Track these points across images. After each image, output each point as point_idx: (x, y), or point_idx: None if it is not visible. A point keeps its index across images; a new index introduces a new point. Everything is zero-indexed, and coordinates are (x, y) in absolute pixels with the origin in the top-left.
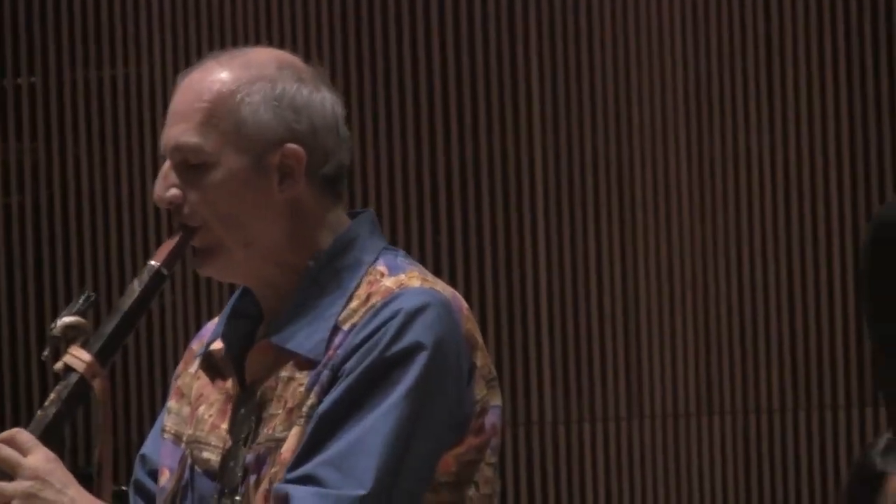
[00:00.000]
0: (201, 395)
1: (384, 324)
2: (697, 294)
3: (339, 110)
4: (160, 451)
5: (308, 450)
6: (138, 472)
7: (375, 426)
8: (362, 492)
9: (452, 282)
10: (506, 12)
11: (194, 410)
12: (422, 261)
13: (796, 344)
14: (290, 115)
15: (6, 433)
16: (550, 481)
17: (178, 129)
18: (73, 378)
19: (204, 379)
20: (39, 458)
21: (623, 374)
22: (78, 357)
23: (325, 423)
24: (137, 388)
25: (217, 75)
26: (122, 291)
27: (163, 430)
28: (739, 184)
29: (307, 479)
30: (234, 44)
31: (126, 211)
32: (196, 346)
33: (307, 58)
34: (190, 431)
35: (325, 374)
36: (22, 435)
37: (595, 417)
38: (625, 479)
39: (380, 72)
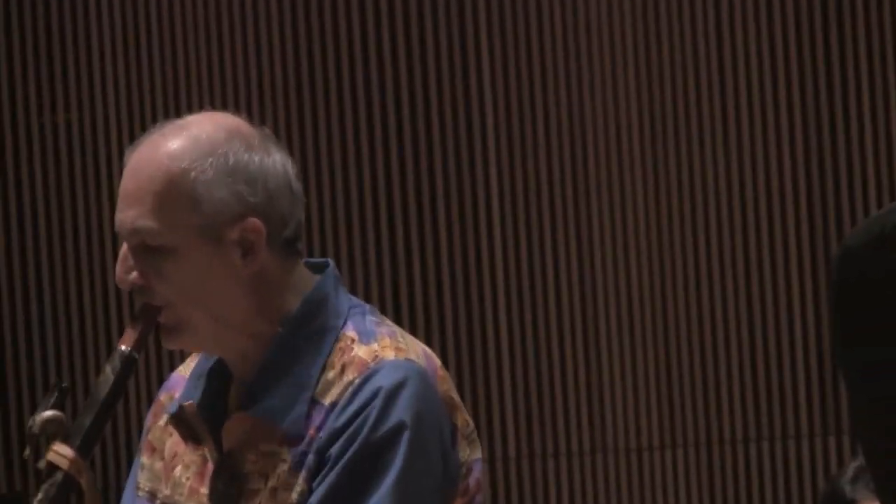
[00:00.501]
0: (175, 454)
1: (365, 406)
2: (658, 326)
3: (290, 168)
4: None
5: None
6: None
7: None
8: None
9: (411, 316)
10: (457, 30)
11: (170, 470)
12: (380, 296)
13: (758, 374)
14: (244, 189)
15: None
16: None
17: (133, 213)
18: (59, 477)
19: (176, 436)
20: None
21: (585, 408)
22: (61, 454)
23: None
24: (115, 451)
25: (166, 152)
26: (85, 367)
27: (137, 487)
28: (696, 209)
29: None
30: (188, 86)
31: (84, 258)
32: (164, 398)
33: (260, 82)
34: (167, 492)
35: (311, 458)
36: None
37: (559, 452)
38: None
39: (329, 100)
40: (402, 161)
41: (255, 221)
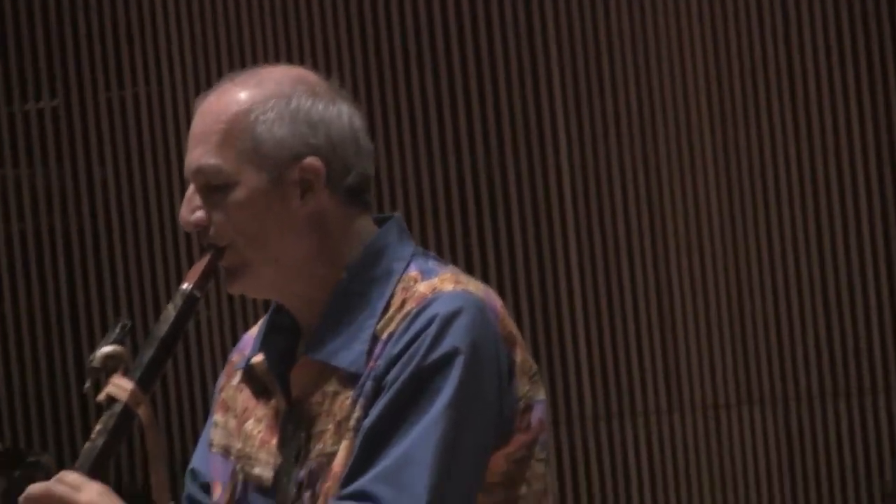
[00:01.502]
0: (246, 408)
1: (421, 332)
2: (731, 284)
3: (359, 122)
4: (210, 466)
5: (359, 465)
6: (190, 487)
7: (422, 437)
8: None
9: (485, 278)
10: (524, 18)
11: (241, 424)
12: (453, 263)
13: (832, 330)
14: (305, 130)
15: (55, 477)
16: (594, 477)
17: (198, 153)
18: (118, 408)
19: (247, 392)
20: (92, 492)
21: (661, 367)
22: (120, 386)
23: (374, 437)
24: (178, 407)
25: (232, 96)
26: (155, 313)
27: (210, 444)
28: (766, 173)
29: (362, 496)
30: (254, 60)
31: (156, 231)
32: (236, 358)
33: (328, 73)
34: (239, 446)
35: (369, 384)
36: (70, 476)
37: (635, 412)
38: (668, 471)
39: (402, 81)
40: (474, 162)
41: (313, 161)
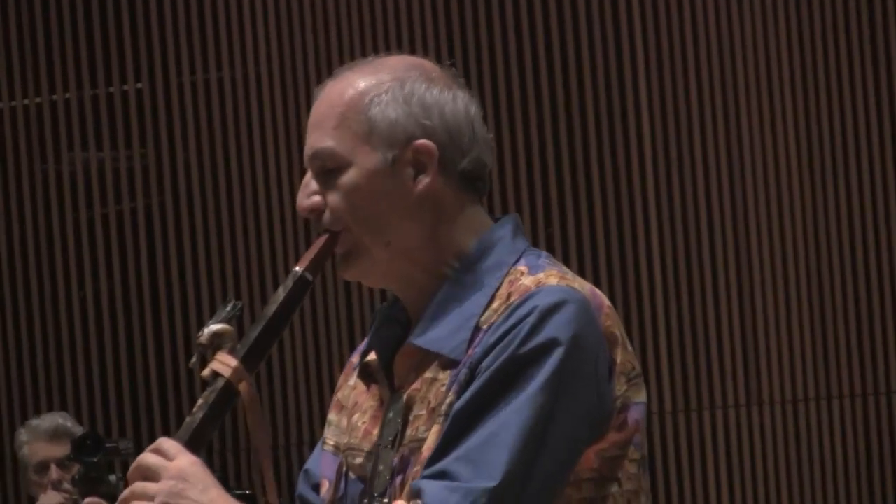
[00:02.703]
0: (356, 403)
1: (520, 321)
2: (812, 278)
3: (474, 109)
4: (321, 465)
5: (444, 446)
6: (301, 487)
7: (509, 420)
8: (492, 483)
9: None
10: (610, 12)
11: (350, 419)
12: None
13: None
14: (419, 112)
15: (153, 444)
16: (671, 469)
17: (314, 137)
18: (220, 383)
19: (360, 387)
20: (184, 461)
21: (741, 361)
22: (224, 363)
23: (461, 419)
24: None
25: (349, 82)
26: (235, 296)
27: (323, 443)
28: (849, 174)
29: (441, 475)
30: (339, 45)
31: (238, 215)
32: (356, 359)
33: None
34: (346, 440)
35: (464, 371)
36: (166, 443)
37: (714, 405)
38: (746, 465)
39: (487, 77)
40: (558, 163)
41: (427, 142)
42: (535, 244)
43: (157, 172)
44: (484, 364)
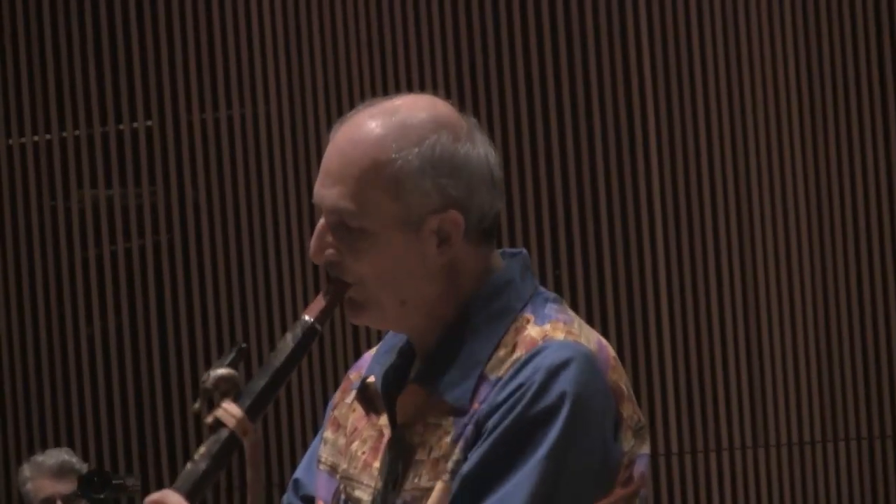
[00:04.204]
0: (356, 429)
1: (526, 381)
2: (819, 321)
3: (493, 157)
4: (315, 482)
5: None
6: (291, 496)
7: (519, 486)
8: None
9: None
10: (617, 23)
11: (349, 444)
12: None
13: None
14: (447, 182)
15: (156, 495)
16: None
17: (335, 193)
18: (224, 434)
19: (359, 411)
20: None
21: (747, 403)
22: (229, 412)
23: (471, 485)
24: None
25: (374, 136)
26: (243, 335)
27: (318, 461)
28: (857, 210)
29: None
30: (348, 84)
31: (247, 253)
32: (354, 376)
33: (421, 84)
34: (344, 466)
35: (470, 428)
36: (172, 497)
37: (721, 447)
38: None
39: (495, 94)
40: (565, 174)
41: (454, 214)
42: (542, 268)
43: (165, 210)
44: (490, 423)
